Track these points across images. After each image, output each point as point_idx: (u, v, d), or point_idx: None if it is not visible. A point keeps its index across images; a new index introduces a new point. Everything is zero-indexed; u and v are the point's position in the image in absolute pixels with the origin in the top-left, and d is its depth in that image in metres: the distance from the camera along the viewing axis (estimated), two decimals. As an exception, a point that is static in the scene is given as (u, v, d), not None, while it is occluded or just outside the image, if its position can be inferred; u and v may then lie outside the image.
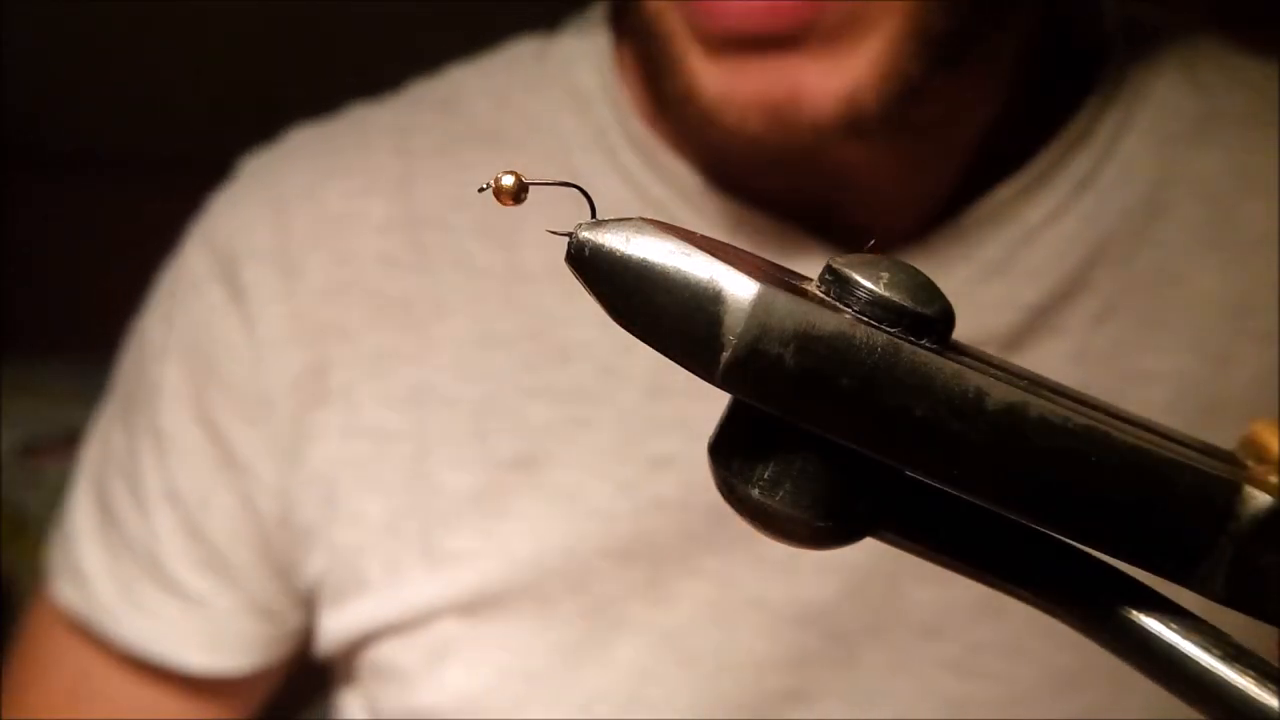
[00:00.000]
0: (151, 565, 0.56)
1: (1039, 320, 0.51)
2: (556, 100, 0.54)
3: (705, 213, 0.51)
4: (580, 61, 0.54)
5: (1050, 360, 0.50)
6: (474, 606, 0.52)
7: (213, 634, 0.56)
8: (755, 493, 0.23)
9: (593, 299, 0.22)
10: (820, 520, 0.23)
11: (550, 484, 0.52)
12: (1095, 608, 0.24)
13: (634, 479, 0.51)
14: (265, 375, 0.54)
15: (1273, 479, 0.23)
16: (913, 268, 0.22)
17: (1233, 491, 0.22)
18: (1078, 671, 0.50)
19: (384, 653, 0.54)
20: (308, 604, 0.56)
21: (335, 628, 0.54)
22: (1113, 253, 0.51)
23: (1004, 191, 0.51)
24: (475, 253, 0.53)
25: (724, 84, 0.44)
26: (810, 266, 0.50)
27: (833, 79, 0.43)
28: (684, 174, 0.51)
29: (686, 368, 0.22)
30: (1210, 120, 0.53)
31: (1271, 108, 0.54)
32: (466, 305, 0.53)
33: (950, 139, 0.50)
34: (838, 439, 0.22)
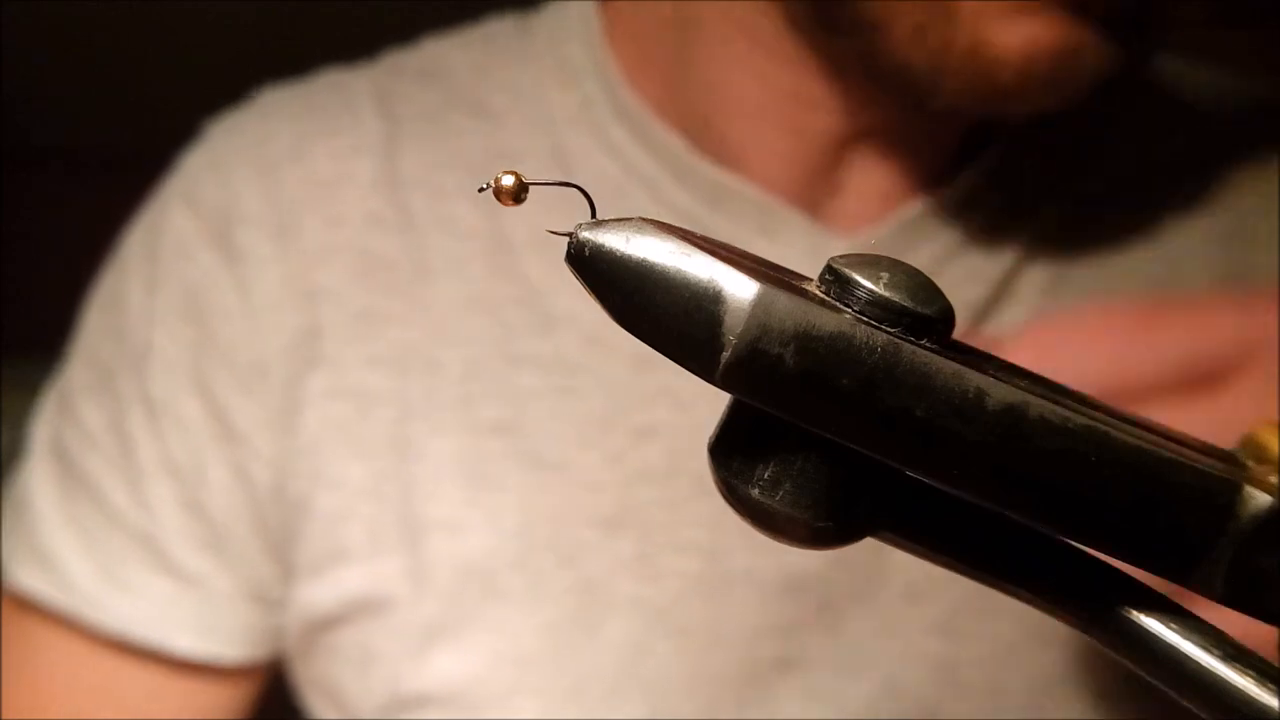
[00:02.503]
0: (144, 543, 0.54)
1: (1000, 291, 0.53)
2: (541, 74, 0.54)
3: (691, 182, 0.52)
4: (568, 35, 0.55)
5: (1008, 328, 0.53)
6: (460, 584, 0.51)
7: (206, 617, 0.54)
8: (755, 493, 0.23)
9: (593, 297, 0.22)
10: (820, 520, 0.23)
11: (535, 453, 0.52)
12: (1095, 608, 0.24)
13: (620, 449, 0.51)
14: (261, 341, 0.53)
15: (1273, 479, 0.23)
16: (913, 267, 0.22)
17: (1233, 491, 0.22)
18: (1056, 624, 0.51)
19: (364, 635, 0.53)
20: (292, 585, 0.54)
21: (311, 599, 0.53)
22: (1051, 232, 0.54)
23: (974, 174, 0.53)
24: (461, 216, 0.53)
25: (1026, 35, 0.45)
26: (791, 238, 0.53)
27: (1110, 39, 0.45)
28: (672, 143, 0.52)
29: (687, 368, 0.22)
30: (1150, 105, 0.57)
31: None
32: (452, 268, 0.53)
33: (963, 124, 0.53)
34: (838, 439, 0.22)
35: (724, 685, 0.51)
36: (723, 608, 0.51)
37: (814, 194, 0.52)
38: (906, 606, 0.51)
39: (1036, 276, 0.54)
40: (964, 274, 0.53)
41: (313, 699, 0.56)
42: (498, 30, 0.57)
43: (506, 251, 0.53)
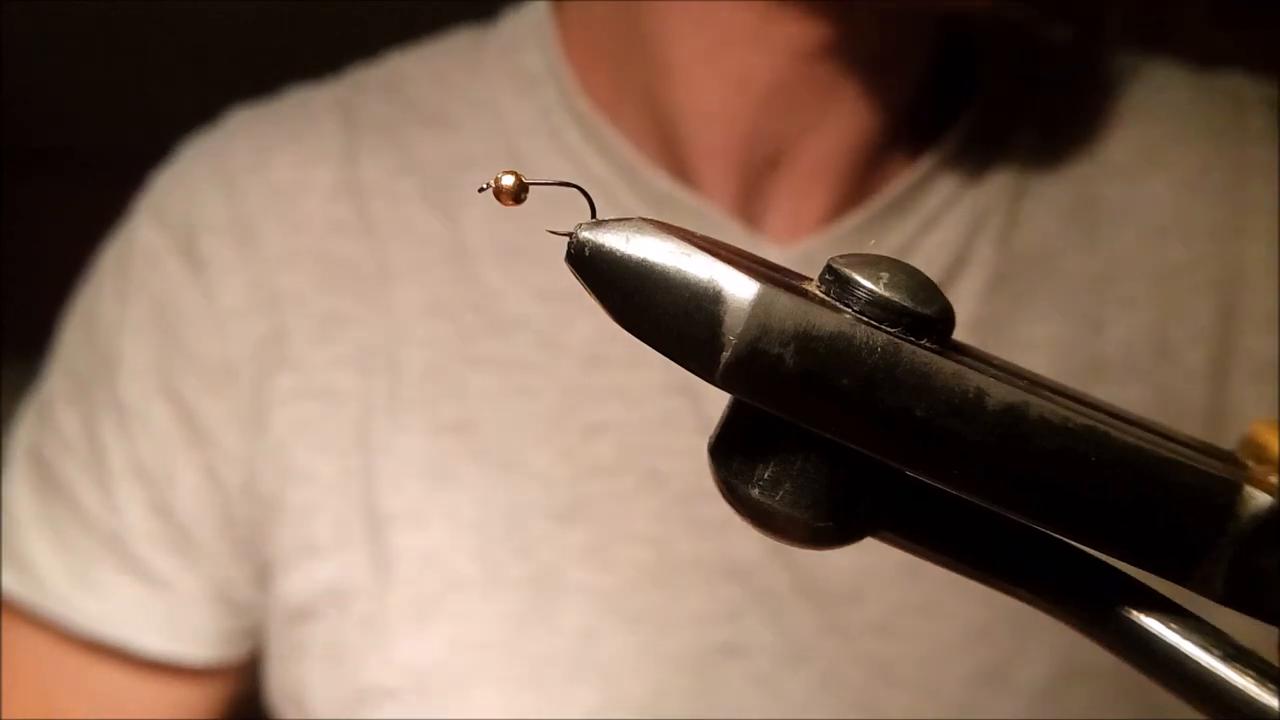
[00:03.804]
0: (114, 545, 0.55)
1: None
2: (497, 83, 0.56)
3: (640, 189, 0.53)
4: (524, 44, 0.56)
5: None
6: (420, 574, 0.53)
7: (173, 619, 0.56)
8: (755, 493, 0.23)
9: (593, 297, 0.22)
10: (820, 520, 0.23)
11: (491, 450, 0.53)
12: (1095, 608, 0.23)
13: (572, 446, 0.53)
14: (228, 345, 0.54)
15: (1273, 479, 0.23)
16: (912, 268, 0.22)
17: (1233, 491, 0.22)
18: (990, 622, 0.53)
19: (332, 629, 0.54)
20: (266, 585, 0.56)
21: (285, 593, 0.54)
22: (991, 231, 0.55)
23: (908, 178, 0.54)
24: (419, 221, 0.55)
25: None
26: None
27: None
28: (624, 150, 0.53)
29: (687, 368, 0.22)
30: (1074, 113, 0.58)
31: (1125, 103, 0.57)
32: (411, 272, 0.54)
33: (890, 110, 0.53)
34: (838, 439, 0.22)
35: (673, 669, 0.53)
36: (671, 594, 0.53)
37: (752, 204, 0.53)
38: (845, 607, 0.53)
39: (973, 280, 0.54)
40: None
41: (282, 708, 0.57)
42: (456, 41, 0.59)
43: (463, 256, 0.54)
